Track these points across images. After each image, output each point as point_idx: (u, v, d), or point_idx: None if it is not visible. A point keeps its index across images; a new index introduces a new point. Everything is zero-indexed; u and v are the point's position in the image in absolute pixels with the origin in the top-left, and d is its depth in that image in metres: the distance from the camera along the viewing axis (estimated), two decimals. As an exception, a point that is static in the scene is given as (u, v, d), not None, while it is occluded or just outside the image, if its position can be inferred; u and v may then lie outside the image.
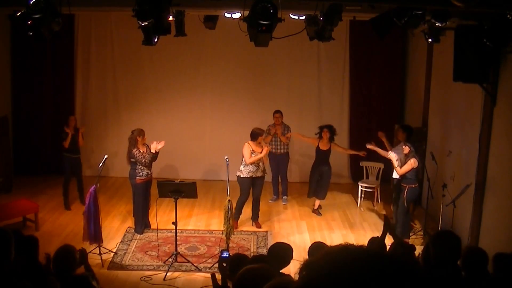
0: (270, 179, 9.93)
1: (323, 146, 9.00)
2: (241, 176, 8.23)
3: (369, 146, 8.54)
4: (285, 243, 5.15)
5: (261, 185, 8.50)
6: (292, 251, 4.79)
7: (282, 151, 9.63)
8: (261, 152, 8.14)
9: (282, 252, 4.71)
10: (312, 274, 1.07)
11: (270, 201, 9.84)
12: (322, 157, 9.03)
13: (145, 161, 7.81)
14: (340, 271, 1.03)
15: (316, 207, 9.28)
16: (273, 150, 9.61)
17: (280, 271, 4.35)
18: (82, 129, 9.27)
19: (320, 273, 1.05)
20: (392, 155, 7.88)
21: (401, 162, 7.80)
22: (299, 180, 11.06)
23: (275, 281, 1.98)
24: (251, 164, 8.18)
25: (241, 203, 8.36)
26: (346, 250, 1.09)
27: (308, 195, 9.46)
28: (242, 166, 8.23)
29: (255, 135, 8.25)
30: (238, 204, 8.31)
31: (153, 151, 7.90)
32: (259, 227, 8.57)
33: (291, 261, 7.33)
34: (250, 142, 8.26)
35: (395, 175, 8.19)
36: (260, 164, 8.30)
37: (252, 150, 8.18)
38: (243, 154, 8.22)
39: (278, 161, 9.68)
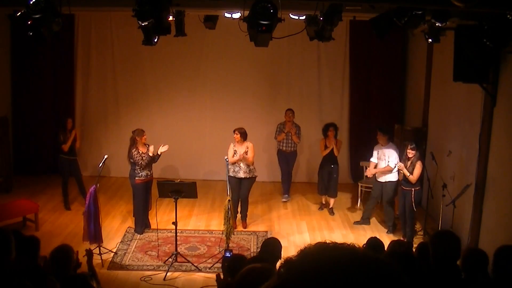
0: (279, 179, 10.01)
1: (330, 144, 9.07)
2: (227, 174, 8.22)
3: (370, 174, 8.65)
4: (273, 238, 5.30)
5: (247, 186, 8.45)
6: (281, 244, 4.88)
7: (291, 149, 9.74)
8: (246, 153, 8.22)
9: (272, 247, 4.78)
10: (288, 273, 1.04)
11: (283, 200, 9.86)
12: (329, 154, 9.09)
13: (142, 162, 7.78)
14: (317, 270, 1.00)
15: (330, 205, 9.40)
16: (283, 148, 9.72)
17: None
18: (78, 130, 9.17)
19: (296, 271, 1.03)
20: (401, 166, 7.80)
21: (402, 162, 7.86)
22: (302, 180, 11.07)
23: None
24: (232, 164, 8.25)
25: (233, 201, 8.32)
26: (324, 248, 1.06)
27: (318, 192, 9.57)
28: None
29: (246, 136, 8.34)
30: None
31: (150, 153, 7.86)
32: (245, 227, 8.56)
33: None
34: (234, 143, 8.34)
35: (382, 179, 8.28)
36: (242, 165, 8.30)
37: (235, 150, 8.26)
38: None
39: (288, 159, 9.78)
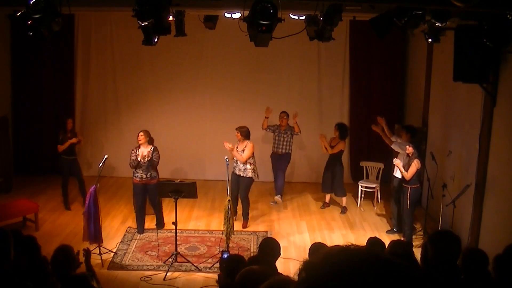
0: (272, 180, 9.96)
1: (331, 142, 9.09)
2: (227, 174, 8.17)
3: (379, 119, 8.53)
4: (270, 238, 5.59)
5: (245, 186, 8.43)
6: (278, 243, 4.96)
7: (283, 150, 9.62)
8: (243, 151, 8.28)
9: (270, 247, 4.84)
10: (311, 276, 1.04)
11: (271, 203, 9.78)
12: (331, 154, 9.09)
13: (130, 163, 7.81)
14: (340, 273, 1.00)
15: (343, 204, 9.42)
16: (275, 149, 9.66)
17: (279, 272, 4.37)
18: (79, 138, 8.98)
19: (319, 275, 1.03)
20: (397, 162, 7.81)
21: (403, 160, 7.81)
22: (302, 180, 11.06)
23: (272, 281, 1.98)
24: (232, 159, 8.35)
25: (232, 198, 8.28)
26: (346, 251, 1.06)
27: (322, 190, 9.57)
28: None
29: (249, 135, 8.39)
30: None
31: (139, 157, 7.76)
32: (244, 227, 8.55)
33: (291, 260, 7.34)
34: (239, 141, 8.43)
35: (397, 174, 8.18)
36: (239, 162, 8.34)
37: (237, 147, 8.34)
38: None
39: (278, 161, 9.68)
